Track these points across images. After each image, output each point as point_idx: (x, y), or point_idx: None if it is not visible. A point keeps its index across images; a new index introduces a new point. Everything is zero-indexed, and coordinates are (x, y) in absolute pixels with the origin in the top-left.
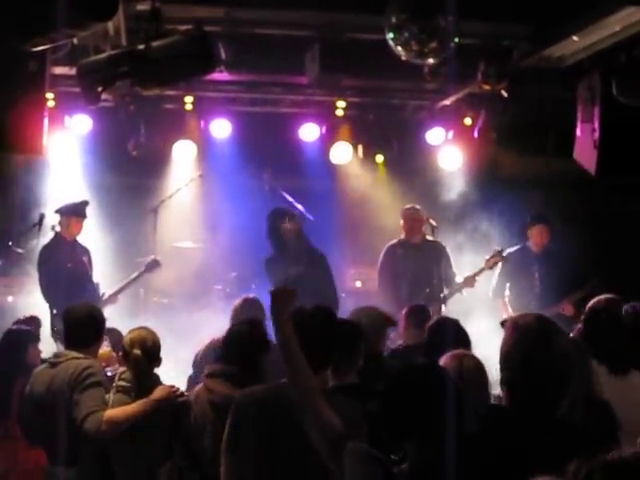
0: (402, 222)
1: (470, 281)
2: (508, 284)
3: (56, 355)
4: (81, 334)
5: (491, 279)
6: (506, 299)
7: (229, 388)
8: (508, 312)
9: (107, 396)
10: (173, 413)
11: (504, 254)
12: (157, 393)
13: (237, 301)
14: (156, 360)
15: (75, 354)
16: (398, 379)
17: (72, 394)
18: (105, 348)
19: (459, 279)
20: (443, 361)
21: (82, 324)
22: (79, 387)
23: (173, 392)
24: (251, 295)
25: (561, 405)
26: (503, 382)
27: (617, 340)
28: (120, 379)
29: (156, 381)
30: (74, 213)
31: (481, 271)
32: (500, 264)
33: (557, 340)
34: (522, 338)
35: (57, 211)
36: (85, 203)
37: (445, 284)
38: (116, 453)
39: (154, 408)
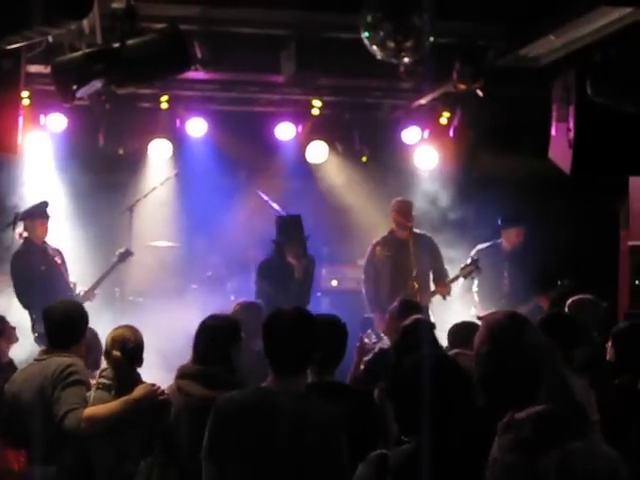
0: (394, 214)
1: (444, 288)
2: (476, 280)
3: (42, 352)
4: (61, 335)
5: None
6: (475, 294)
7: (205, 389)
8: (477, 306)
9: (88, 394)
10: (153, 411)
11: (479, 263)
12: (138, 392)
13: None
14: (137, 360)
15: (58, 352)
16: (408, 372)
17: (53, 391)
18: None
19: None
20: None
21: (60, 325)
22: (61, 384)
23: (154, 391)
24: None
25: (533, 402)
26: (476, 380)
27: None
28: (101, 376)
29: (137, 379)
30: (37, 216)
31: (456, 278)
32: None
33: (528, 338)
34: (492, 336)
35: (20, 219)
36: (45, 204)
37: (435, 277)
38: (95, 450)
39: (134, 407)
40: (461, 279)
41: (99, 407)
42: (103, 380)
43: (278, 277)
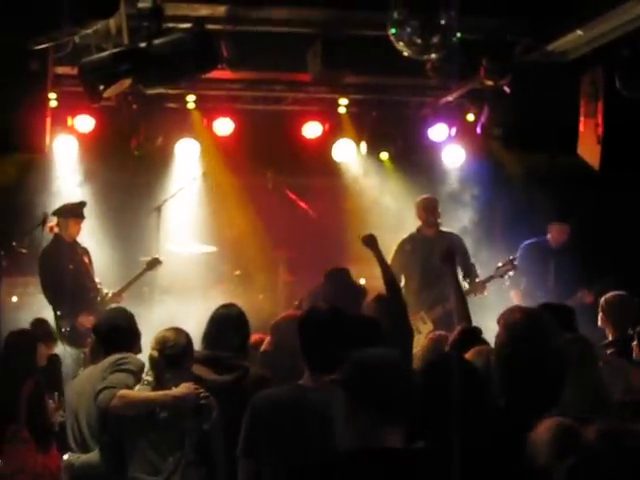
0: (419, 212)
1: (480, 288)
2: (524, 277)
3: (102, 355)
4: (117, 341)
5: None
6: (521, 291)
7: (214, 374)
8: (521, 303)
9: (136, 387)
10: (192, 413)
11: (516, 262)
12: (178, 389)
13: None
14: (177, 361)
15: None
16: (427, 372)
17: (103, 375)
18: None
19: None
20: (468, 356)
21: (112, 336)
22: (110, 369)
23: (195, 392)
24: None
25: (556, 402)
26: (497, 381)
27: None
28: (147, 374)
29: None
30: (72, 214)
31: (491, 278)
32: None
33: (548, 339)
34: (508, 335)
35: (55, 213)
36: (82, 204)
37: (465, 277)
38: (129, 441)
39: (170, 402)
40: (497, 278)
41: (135, 391)
42: (147, 377)
43: None
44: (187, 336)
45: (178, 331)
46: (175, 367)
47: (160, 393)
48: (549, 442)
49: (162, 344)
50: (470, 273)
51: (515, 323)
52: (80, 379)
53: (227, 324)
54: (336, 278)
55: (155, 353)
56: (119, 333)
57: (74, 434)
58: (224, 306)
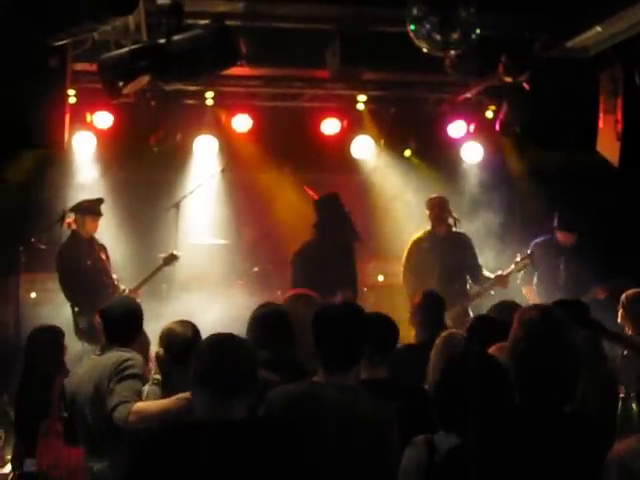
0: (429, 212)
1: (503, 281)
2: (536, 273)
3: (101, 347)
4: (120, 331)
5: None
6: (534, 287)
7: (268, 373)
8: (535, 300)
9: (144, 388)
10: None
11: (534, 257)
12: None
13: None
14: (185, 357)
15: (117, 347)
16: (451, 369)
17: (109, 384)
18: None
19: (488, 274)
20: (492, 352)
21: (120, 321)
22: (117, 377)
23: None
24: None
25: (572, 400)
26: (512, 377)
27: None
28: (156, 373)
29: None
30: (89, 211)
31: (510, 272)
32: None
33: (564, 336)
34: (525, 333)
35: (72, 209)
36: (100, 201)
37: (472, 277)
38: None
39: (185, 405)
40: (515, 272)
41: (150, 402)
42: (157, 376)
43: (316, 266)
44: (193, 328)
45: (185, 324)
46: (184, 363)
47: (174, 399)
48: None
49: (167, 340)
50: (476, 274)
51: (530, 319)
52: (80, 374)
53: (271, 322)
54: (326, 204)
55: (160, 351)
56: (127, 321)
57: (82, 432)
58: (262, 306)
